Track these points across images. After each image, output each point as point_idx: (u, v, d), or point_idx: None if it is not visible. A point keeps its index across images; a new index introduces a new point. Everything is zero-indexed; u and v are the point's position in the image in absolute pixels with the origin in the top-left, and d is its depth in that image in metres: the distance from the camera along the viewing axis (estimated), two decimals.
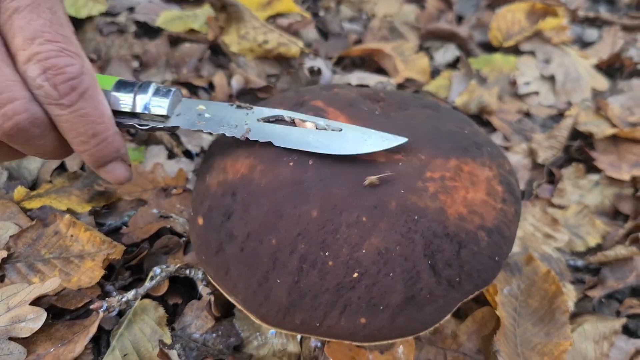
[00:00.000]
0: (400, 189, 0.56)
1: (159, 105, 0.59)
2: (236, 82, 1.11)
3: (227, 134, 0.60)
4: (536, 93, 1.19)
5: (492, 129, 1.10)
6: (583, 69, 1.23)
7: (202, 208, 0.59)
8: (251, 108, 0.62)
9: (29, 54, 0.53)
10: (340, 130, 0.59)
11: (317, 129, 0.60)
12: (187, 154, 0.99)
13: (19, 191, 0.84)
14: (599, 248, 0.91)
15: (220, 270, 0.58)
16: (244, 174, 0.58)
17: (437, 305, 0.57)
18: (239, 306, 0.59)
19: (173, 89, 0.61)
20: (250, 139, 0.60)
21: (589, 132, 1.06)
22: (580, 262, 0.89)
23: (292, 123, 0.61)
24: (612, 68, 1.30)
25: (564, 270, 0.86)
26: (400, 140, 0.58)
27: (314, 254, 0.53)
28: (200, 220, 0.59)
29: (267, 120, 0.61)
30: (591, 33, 1.39)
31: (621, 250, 0.85)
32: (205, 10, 1.27)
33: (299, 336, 0.73)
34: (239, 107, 0.62)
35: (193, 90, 1.10)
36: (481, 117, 1.13)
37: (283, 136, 0.59)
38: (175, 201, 0.89)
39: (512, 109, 1.14)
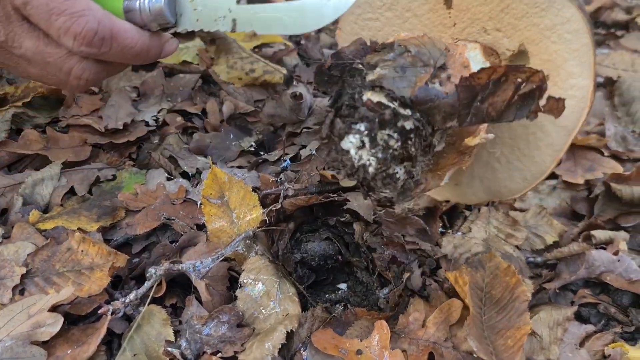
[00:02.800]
0: None
1: (157, 2, 0.74)
2: (227, 108, 1.21)
3: (221, 30, 0.76)
4: None
5: None
6: None
7: None
8: None
9: (54, 33, 0.67)
10: None
11: None
12: (184, 174, 1.09)
13: (34, 214, 0.94)
14: (556, 245, 1.01)
15: None
16: None
17: None
18: None
19: None
20: (238, 31, 0.76)
21: None
22: (539, 259, 0.99)
23: None
24: None
25: (523, 267, 0.96)
26: None
27: None
28: None
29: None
30: None
31: (574, 247, 0.96)
32: (197, 44, 1.39)
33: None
34: None
35: (188, 117, 1.21)
36: None
37: (263, 22, 0.74)
38: (179, 208, 0.99)
39: None
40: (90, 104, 1.20)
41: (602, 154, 1.17)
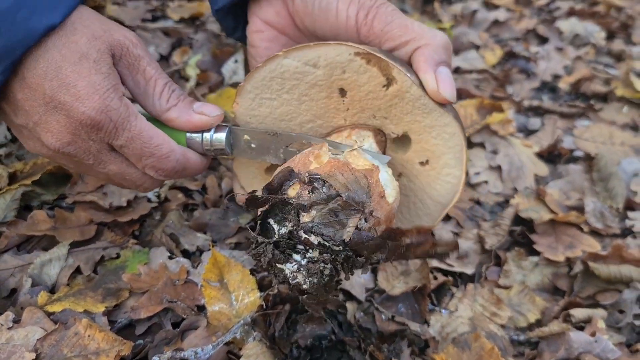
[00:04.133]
0: None
1: (219, 138, 0.85)
2: (225, 184, 1.28)
3: (271, 162, 0.87)
4: (485, 182, 1.37)
5: (447, 216, 1.28)
6: (526, 158, 1.42)
7: None
8: (276, 134, 0.85)
9: (141, 167, 0.83)
10: (343, 152, 0.80)
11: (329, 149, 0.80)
12: (185, 252, 1.15)
13: (42, 296, 0.99)
14: (539, 323, 1.06)
15: None
16: None
17: None
18: None
19: (228, 126, 0.86)
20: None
21: (529, 217, 1.24)
22: (522, 337, 1.04)
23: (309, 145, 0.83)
24: (553, 154, 1.49)
25: (507, 346, 1.01)
26: (387, 158, 0.82)
27: None
28: None
29: (291, 145, 0.85)
30: (534, 122, 1.59)
31: (554, 327, 1.01)
32: None
33: None
34: (267, 133, 0.86)
35: (188, 193, 1.27)
36: None
37: None
38: (180, 290, 1.04)
39: (465, 198, 1.32)
40: (95, 180, 1.26)
41: (582, 229, 1.23)
